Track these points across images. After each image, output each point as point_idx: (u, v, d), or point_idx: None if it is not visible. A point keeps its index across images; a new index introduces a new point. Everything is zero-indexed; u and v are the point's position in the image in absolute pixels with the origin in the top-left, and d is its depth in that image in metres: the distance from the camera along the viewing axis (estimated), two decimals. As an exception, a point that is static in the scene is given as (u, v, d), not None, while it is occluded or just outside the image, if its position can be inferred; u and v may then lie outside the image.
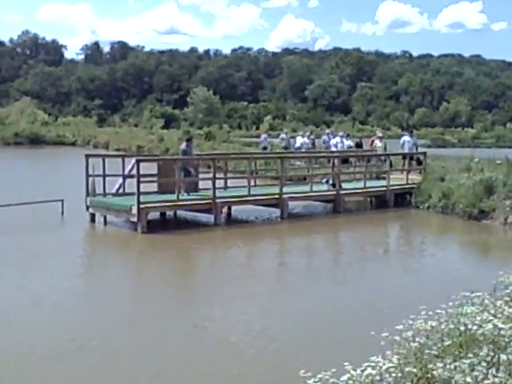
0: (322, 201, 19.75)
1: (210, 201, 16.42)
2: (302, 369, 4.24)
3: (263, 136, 32.05)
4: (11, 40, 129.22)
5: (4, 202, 17.09)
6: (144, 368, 7.07)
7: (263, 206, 18.08)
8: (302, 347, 7.74)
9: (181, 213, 17.51)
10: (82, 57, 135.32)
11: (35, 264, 12.08)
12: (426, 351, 4.34)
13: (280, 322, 8.83)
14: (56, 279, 10.99)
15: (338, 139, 26.43)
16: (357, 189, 20.35)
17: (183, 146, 18.06)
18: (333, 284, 11.26)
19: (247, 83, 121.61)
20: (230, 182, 19.11)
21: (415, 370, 4.11)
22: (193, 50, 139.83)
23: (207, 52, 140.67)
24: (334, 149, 25.55)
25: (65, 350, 7.60)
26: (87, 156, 16.92)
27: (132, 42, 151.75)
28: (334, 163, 21.26)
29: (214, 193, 16.52)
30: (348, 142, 26.61)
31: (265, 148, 30.44)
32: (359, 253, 14.44)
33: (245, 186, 17.81)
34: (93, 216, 16.51)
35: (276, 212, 17.88)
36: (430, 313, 5.06)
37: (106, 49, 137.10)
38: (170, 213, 17.41)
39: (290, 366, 6.76)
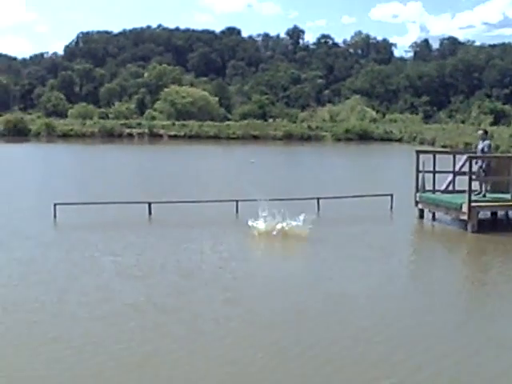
0: None
1: (548, 203, 15.22)
2: None
3: None
4: (345, 41, 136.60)
5: (338, 194, 18.41)
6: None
7: None
8: None
9: (513, 214, 16.58)
10: (410, 54, 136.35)
11: (363, 255, 12.61)
12: None
13: None
14: (381, 272, 11.35)
15: None
16: None
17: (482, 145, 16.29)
18: None
19: None
20: None
21: None
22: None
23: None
24: None
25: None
26: (418, 152, 17.07)
27: (462, 37, 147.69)
28: None
29: (554, 194, 15.26)
30: None
31: None
32: None
33: None
34: (421, 212, 16.63)
35: None
36: None
37: (435, 45, 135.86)
38: (501, 213, 16.63)
39: None
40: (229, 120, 74.76)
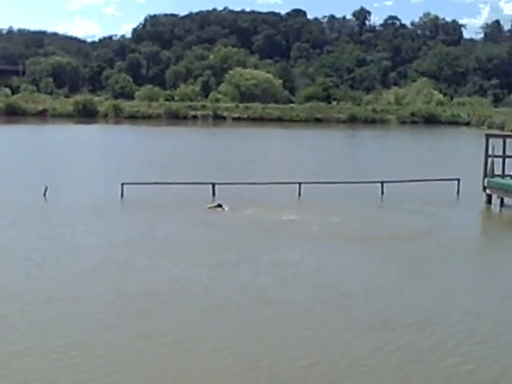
0: None
1: None
2: None
3: None
4: (412, 23, 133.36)
5: (404, 178, 18.17)
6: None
7: None
8: None
9: None
10: (481, 36, 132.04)
11: (430, 241, 12.41)
12: None
13: None
14: (453, 259, 11.17)
15: None
16: None
17: None
18: None
19: None
20: None
21: None
22: None
23: None
24: None
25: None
26: (488, 136, 16.62)
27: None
28: None
29: None
30: None
31: None
32: None
33: None
34: (489, 197, 16.20)
35: None
36: None
37: (507, 26, 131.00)
38: None
39: None
40: (292, 102, 74.41)
